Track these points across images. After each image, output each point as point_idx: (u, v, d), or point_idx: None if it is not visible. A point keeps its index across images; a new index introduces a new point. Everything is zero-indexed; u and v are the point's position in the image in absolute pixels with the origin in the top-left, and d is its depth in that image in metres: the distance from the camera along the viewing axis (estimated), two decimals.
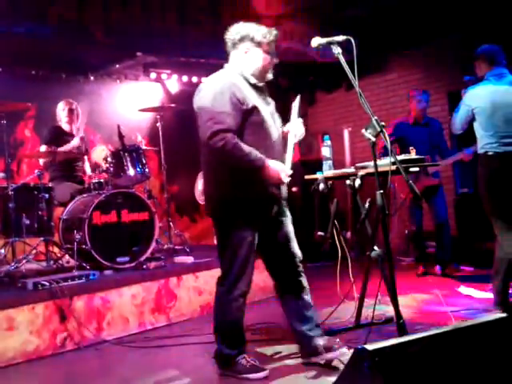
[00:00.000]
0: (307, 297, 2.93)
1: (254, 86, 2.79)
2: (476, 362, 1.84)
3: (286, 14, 6.91)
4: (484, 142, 3.62)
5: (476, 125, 3.69)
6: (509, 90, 3.58)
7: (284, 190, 2.88)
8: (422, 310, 3.84)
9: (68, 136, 5.00)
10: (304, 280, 2.94)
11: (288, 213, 2.97)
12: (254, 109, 2.71)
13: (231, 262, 2.79)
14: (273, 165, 2.67)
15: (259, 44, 2.74)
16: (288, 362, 3.02)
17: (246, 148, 2.64)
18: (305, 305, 2.91)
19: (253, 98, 2.74)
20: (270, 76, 2.82)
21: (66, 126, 5.04)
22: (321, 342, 2.83)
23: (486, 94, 3.63)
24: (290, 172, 2.72)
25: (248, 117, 2.70)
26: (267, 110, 2.81)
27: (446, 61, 6.74)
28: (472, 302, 4.11)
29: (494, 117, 3.56)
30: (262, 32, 2.76)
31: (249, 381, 2.75)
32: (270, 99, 2.91)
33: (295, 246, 2.94)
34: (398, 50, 7.19)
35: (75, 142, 4.93)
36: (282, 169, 2.69)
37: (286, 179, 2.70)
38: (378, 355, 1.62)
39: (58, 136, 4.91)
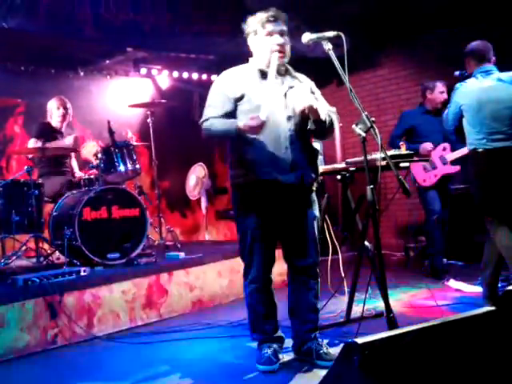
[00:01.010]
0: (314, 300, 2.91)
1: (261, 73, 2.78)
2: (465, 355, 1.85)
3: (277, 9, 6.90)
4: (472, 138, 3.64)
5: (464, 121, 3.71)
6: (494, 86, 3.60)
7: (294, 175, 2.72)
8: (412, 304, 3.87)
9: (56, 133, 4.97)
10: (313, 283, 2.89)
11: (314, 207, 2.88)
12: (243, 96, 2.73)
13: (241, 249, 2.88)
14: (243, 121, 2.64)
15: (256, 32, 2.77)
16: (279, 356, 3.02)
17: (220, 122, 2.72)
18: (309, 307, 2.90)
19: (247, 86, 2.73)
20: (274, 57, 2.69)
21: (56, 124, 5.00)
22: (314, 346, 2.83)
23: (473, 91, 3.65)
24: (261, 116, 2.53)
25: (239, 104, 2.75)
26: (269, 93, 2.69)
27: (437, 56, 6.76)
28: (461, 295, 4.15)
29: (480, 114, 3.58)
30: (256, 18, 2.77)
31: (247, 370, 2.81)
32: (288, 81, 2.79)
33: (310, 246, 2.85)
34: (388, 45, 7.21)
35: (68, 141, 4.86)
36: (250, 117, 2.57)
37: (254, 122, 2.53)
38: (368, 349, 1.62)
39: (47, 132, 4.87)
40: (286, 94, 2.76)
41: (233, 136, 2.68)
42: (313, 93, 2.79)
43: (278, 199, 2.76)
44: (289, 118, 2.73)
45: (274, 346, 2.86)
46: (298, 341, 2.92)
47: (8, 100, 4.37)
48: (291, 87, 2.78)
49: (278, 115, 2.72)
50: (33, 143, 4.80)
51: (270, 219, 2.78)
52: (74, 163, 5.23)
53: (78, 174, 5.14)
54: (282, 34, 2.74)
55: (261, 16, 2.76)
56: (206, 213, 6.43)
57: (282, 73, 2.80)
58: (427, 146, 4.89)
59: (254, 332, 2.94)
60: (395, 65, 7.23)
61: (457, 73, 4.41)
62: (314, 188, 2.91)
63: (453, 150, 4.96)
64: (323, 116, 2.69)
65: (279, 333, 2.94)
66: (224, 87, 2.78)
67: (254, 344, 3.17)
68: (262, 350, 2.85)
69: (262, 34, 2.75)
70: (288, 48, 2.78)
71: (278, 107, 2.73)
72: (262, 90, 2.71)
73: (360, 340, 1.62)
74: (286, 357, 2.96)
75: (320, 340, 2.89)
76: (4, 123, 5.61)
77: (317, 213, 2.92)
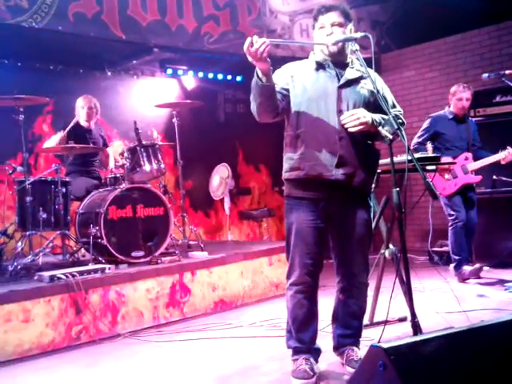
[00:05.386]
0: (357, 308, 2.81)
1: (318, 64, 2.68)
2: (491, 362, 1.82)
3: (301, 10, 6.93)
4: None
5: None
6: None
7: (341, 172, 2.57)
8: (437, 308, 3.82)
9: (85, 132, 5.03)
10: (357, 291, 2.79)
11: (366, 210, 2.73)
12: (295, 88, 2.64)
13: (285, 248, 2.75)
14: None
15: (313, 26, 2.72)
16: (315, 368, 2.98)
17: None
18: (353, 314, 2.81)
19: (301, 78, 2.64)
20: (328, 50, 2.61)
21: (84, 123, 5.07)
22: (347, 350, 2.78)
23: None
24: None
25: (292, 95, 2.64)
26: (322, 85, 2.62)
27: (464, 57, 6.68)
28: (487, 301, 4.08)
29: None
30: (313, 13, 2.71)
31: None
32: (349, 74, 2.64)
33: (357, 259, 2.73)
34: (415, 46, 7.15)
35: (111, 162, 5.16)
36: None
37: (247, 44, 2.33)
38: (393, 353, 1.61)
39: (76, 132, 4.91)
40: (340, 87, 2.62)
41: (258, 82, 2.45)
42: (377, 91, 2.53)
43: (323, 196, 2.63)
44: (340, 111, 2.59)
45: (311, 358, 2.71)
46: (335, 342, 2.87)
47: (37, 99, 4.42)
48: (350, 80, 2.64)
49: (329, 108, 2.60)
50: (58, 136, 4.84)
51: (316, 218, 2.63)
52: (111, 160, 5.27)
53: (111, 165, 5.17)
54: (333, 25, 2.62)
55: (315, 10, 2.70)
56: (229, 213, 6.45)
57: (341, 64, 2.67)
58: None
59: (290, 339, 2.77)
60: (422, 66, 7.17)
61: (485, 75, 4.34)
62: (372, 190, 2.78)
63: (475, 159, 4.87)
64: (384, 132, 2.54)
65: (317, 345, 2.79)
66: (283, 76, 2.66)
67: (277, 345, 3.18)
68: (296, 361, 2.69)
69: (317, 28, 2.68)
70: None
71: (330, 100, 2.61)
72: (315, 82, 2.63)
73: (385, 345, 1.61)
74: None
75: (357, 348, 2.80)
76: (33, 122, 5.70)
77: (369, 217, 2.77)
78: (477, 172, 4.89)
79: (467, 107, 5.01)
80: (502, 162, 4.71)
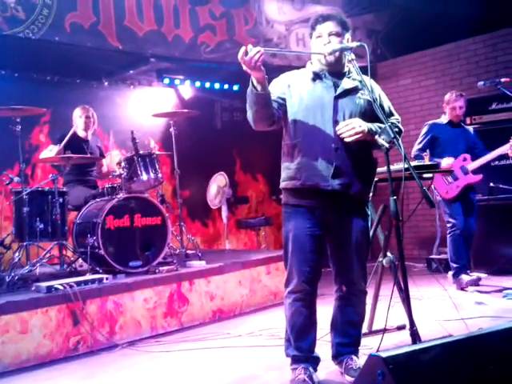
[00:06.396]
0: (355, 316, 2.81)
1: (314, 75, 2.69)
2: (490, 370, 1.82)
3: (297, 19, 6.97)
4: None
5: None
6: None
7: (337, 182, 2.58)
8: (436, 316, 3.81)
9: (82, 142, 5.03)
10: (356, 299, 2.79)
11: (363, 219, 2.74)
12: (292, 98, 2.65)
13: (283, 256, 2.76)
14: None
15: (310, 35, 2.71)
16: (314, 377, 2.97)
17: None
18: (351, 322, 2.81)
19: (298, 88, 2.65)
20: (325, 60, 2.62)
21: (81, 133, 5.08)
22: (346, 359, 2.78)
23: None
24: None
25: (288, 105, 2.65)
26: (319, 95, 2.63)
27: (459, 66, 6.72)
28: (485, 308, 4.08)
29: None
30: (310, 21, 2.71)
31: None
32: (346, 83, 2.64)
33: (354, 267, 2.72)
34: (410, 55, 7.20)
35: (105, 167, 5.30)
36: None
37: (241, 53, 2.33)
38: (392, 362, 1.61)
39: (73, 142, 4.91)
40: (336, 97, 2.63)
41: (253, 91, 2.46)
42: (374, 100, 2.53)
43: (320, 204, 2.63)
44: (336, 122, 2.60)
45: (310, 367, 2.69)
46: (334, 350, 2.86)
47: (34, 109, 4.42)
48: (346, 90, 2.65)
49: (325, 118, 2.61)
50: (50, 149, 4.88)
51: (313, 225, 2.64)
52: (104, 167, 5.32)
53: (105, 169, 5.24)
54: (331, 34, 2.62)
55: (312, 19, 2.70)
56: (227, 222, 6.45)
57: (338, 74, 2.68)
58: (448, 161, 4.81)
59: (289, 347, 2.77)
60: (417, 75, 7.21)
61: (480, 83, 4.37)
62: (369, 198, 2.79)
63: (473, 160, 4.91)
64: (380, 141, 2.51)
65: (316, 353, 2.78)
66: (279, 86, 2.68)
67: (276, 355, 3.17)
68: (295, 371, 2.69)
69: (314, 37, 2.68)
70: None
71: (326, 110, 2.61)
72: (311, 92, 2.64)
73: (384, 353, 1.60)
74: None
75: (356, 357, 2.79)
76: (30, 132, 5.69)
77: (367, 225, 2.78)
78: (476, 172, 4.92)
79: (461, 114, 5.10)
80: (510, 154, 4.69)
